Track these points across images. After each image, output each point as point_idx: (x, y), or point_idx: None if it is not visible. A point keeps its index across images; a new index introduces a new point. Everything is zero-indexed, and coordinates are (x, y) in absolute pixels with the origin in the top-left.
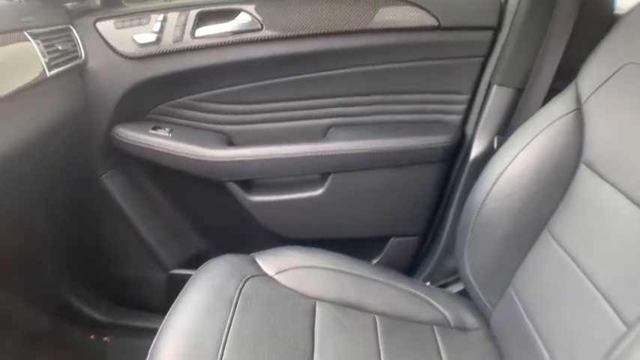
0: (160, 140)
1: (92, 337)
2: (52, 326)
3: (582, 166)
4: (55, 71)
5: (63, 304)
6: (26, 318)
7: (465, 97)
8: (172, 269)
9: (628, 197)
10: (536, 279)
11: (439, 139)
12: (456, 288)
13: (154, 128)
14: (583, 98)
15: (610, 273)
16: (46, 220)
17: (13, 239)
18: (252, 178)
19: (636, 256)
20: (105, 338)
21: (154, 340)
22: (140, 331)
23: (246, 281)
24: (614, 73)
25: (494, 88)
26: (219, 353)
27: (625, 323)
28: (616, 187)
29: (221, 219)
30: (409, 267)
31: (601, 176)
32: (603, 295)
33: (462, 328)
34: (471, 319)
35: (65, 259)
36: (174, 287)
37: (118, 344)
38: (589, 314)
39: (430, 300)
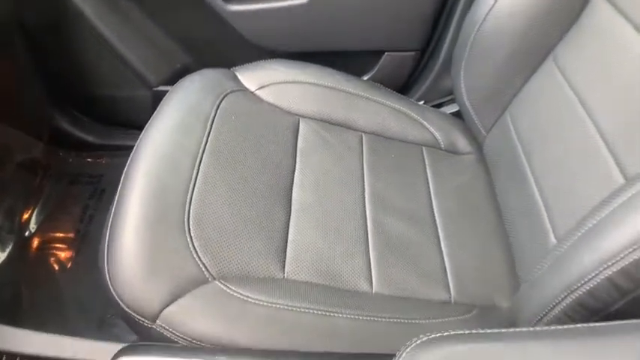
0: None
1: (88, 160)
2: (47, 153)
3: None
4: None
5: (55, 129)
6: (22, 146)
7: None
8: (157, 86)
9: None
10: (535, 109)
11: None
12: (451, 109)
13: None
14: None
15: (614, 117)
16: (24, 46)
17: None
18: None
19: None
20: (100, 159)
21: (128, 161)
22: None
23: (224, 97)
24: None
25: None
26: (194, 172)
27: (624, 176)
28: (629, 20)
29: (202, 32)
30: (403, 85)
31: (615, 6)
32: (604, 139)
33: (453, 151)
34: (462, 143)
35: (50, 84)
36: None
37: (114, 164)
38: (586, 158)
39: (421, 120)
